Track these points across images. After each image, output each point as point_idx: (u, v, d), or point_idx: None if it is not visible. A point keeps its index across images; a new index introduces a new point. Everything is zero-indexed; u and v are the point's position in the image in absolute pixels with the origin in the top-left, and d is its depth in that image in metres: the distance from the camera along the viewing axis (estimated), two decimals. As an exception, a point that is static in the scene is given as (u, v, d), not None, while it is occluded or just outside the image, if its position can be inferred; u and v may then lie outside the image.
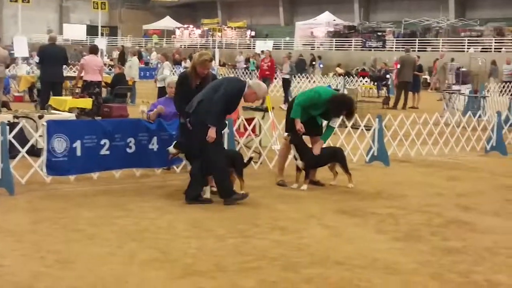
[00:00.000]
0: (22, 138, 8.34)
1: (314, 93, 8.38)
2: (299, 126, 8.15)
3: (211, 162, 7.25)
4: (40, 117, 9.89)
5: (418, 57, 26.00)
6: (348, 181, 8.53)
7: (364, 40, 44.56)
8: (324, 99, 8.22)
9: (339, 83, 27.83)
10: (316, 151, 8.26)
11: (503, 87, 26.56)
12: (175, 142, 7.61)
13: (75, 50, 37.34)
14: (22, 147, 7.87)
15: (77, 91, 15.30)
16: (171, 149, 7.52)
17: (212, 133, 7.11)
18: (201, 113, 7.15)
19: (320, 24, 49.21)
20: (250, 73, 33.84)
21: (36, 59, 18.59)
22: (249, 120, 9.90)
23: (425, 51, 39.21)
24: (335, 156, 8.54)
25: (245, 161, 7.96)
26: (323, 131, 8.60)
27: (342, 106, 8.20)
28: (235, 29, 57.19)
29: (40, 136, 8.06)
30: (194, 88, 7.55)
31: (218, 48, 42.67)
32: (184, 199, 7.29)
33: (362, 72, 34.51)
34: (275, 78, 24.79)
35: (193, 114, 7.22)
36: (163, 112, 8.79)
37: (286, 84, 21.78)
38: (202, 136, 7.13)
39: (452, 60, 32.73)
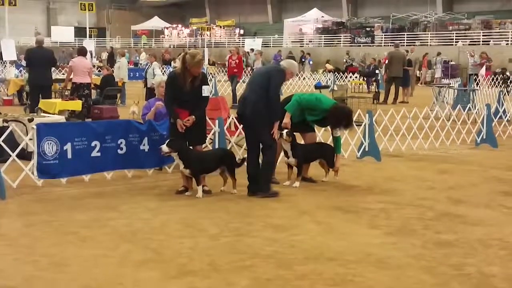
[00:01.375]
0: (12, 142, 8.31)
1: (314, 99, 8.50)
2: (287, 120, 8.18)
3: (266, 154, 7.68)
4: (30, 120, 9.85)
5: (407, 51, 26.03)
6: (334, 174, 8.62)
7: (352, 36, 44.63)
8: (324, 108, 8.35)
9: (329, 79, 27.88)
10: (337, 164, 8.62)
11: (470, 79, 26.51)
12: (168, 140, 7.61)
13: (63, 52, 37.21)
14: (12, 151, 7.83)
15: (66, 93, 15.25)
16: (164, 147, 7.51)
17: (276, 126, 7.70)
18: (261, 112, 7.55)
19: (309, 21, 49.24)
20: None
21: (24, 62, 18.51)
22: (240, 119, 9.88)
23: (414, 45, 39.31)
24: (322, 152, 8.57)
25: (238, 160, 8.01)
26: (314, 127, 8.71)
27: (342, 117, 8.32)
28: (223, 28, 57.08)
29: (30, 139, 8.02)
30: (186, 88, 7.55)
31: (207, 47, 42.62)
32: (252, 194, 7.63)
33: (350, 67, 34.62)
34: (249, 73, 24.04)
35: (252, 114, 7.60)
36: (161, 107, 8.73)
37: None
38: (260, 131, 7.61)
39: (439, 54, 32.89)
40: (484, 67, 28.38)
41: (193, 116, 7.55)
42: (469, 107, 14.22)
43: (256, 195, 7.57)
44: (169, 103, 7.67)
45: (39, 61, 14.03)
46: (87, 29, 32.94)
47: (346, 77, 31.16)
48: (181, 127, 7.51)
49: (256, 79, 7.89)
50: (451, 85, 19.39)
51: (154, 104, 9.19)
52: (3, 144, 7.71)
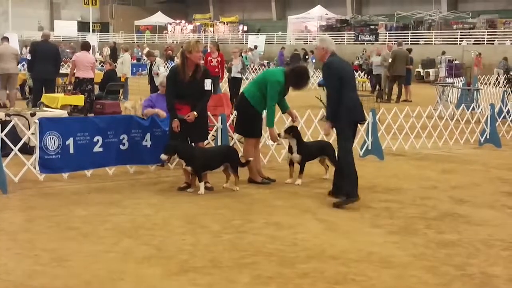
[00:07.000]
0: (14, 136, 8.29)
1: (276, 84, 7.95)
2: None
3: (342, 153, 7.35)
4: (32, 114, 9.83)
5: (410, 50, 25.75)
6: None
7: (356, 34, 44.57)
8: (283, 81, 7.98)
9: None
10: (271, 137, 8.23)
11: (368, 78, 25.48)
12: (165, 146, 7.54)
13: (65, 46, 37.20)
14: (15, 145, 7.82)
15: (69, 88, 15.24)
16: (163, 156, 7.46)
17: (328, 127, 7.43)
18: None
19: (312, 18, 49.18)
20: (243, 67, 33.65)
21: (28, 56, 18.48)
22: (243, 115, 9.85)
23: (417, 43, 39.26)
24: (323, 149, 8.54)
25: (242, 160, 7.97)
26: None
27: (302, 76, 8.06)
28: (227, 24, 57.04)
29: (32, 133, 8.01)
30: (187, 81, 7.49)
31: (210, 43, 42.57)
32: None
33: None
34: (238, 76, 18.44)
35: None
36: (161, 117, 8.70)
37: (237, 84, 17.87)
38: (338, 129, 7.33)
39: (443, 53, 32.77)
40: None
41: (194, 112, 7.50)
42: (473, 106, 14.17)
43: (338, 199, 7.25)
44: (170, 98, 7.58)
45: (44, 55, 14.02)
46: (91, 24, 32.99)
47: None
48: (177, 128, 7.46)
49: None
50: (454, 84, 19.34)
51: (155, 98, 9.17)
52: (5, 138, 7.69)
